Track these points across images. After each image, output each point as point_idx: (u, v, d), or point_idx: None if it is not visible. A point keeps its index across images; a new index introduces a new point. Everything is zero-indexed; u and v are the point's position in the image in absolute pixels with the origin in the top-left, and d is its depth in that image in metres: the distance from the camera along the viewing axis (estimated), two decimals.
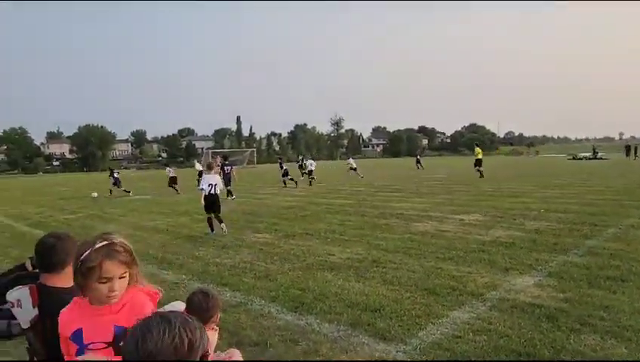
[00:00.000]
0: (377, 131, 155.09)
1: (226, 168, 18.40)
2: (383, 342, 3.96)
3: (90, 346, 1.87)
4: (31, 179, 61.44)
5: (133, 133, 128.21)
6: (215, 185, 9.91)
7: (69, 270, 2.36)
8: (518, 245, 7.37)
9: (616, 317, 4.18)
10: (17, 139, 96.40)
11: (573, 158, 49.91)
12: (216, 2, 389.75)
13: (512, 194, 15.16)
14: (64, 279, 2.35)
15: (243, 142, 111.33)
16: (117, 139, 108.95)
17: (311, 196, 17.63)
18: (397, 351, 3.77)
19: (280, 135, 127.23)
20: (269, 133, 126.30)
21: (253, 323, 4.49)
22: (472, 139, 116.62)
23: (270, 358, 3.75)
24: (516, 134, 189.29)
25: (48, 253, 2.32)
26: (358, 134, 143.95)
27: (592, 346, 3.65)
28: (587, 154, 51.57)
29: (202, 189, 9.88)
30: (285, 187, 22.32)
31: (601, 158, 46.50)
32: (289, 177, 23.17)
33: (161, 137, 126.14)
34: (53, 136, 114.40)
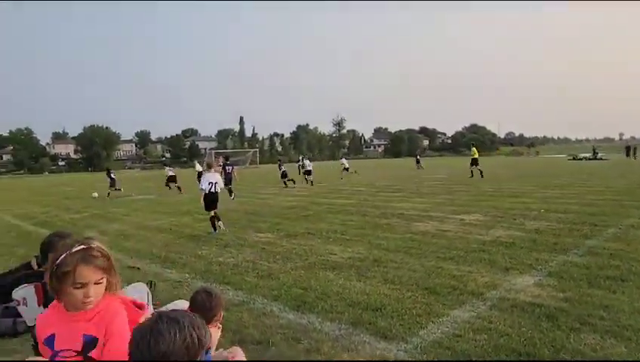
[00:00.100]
0: (379, 132, 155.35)
1: (227, 168, 18.48)
2: (384, 340, 3.98)
3: (61, 354, 1.83)
4: (37, 179, 61.52)
5: (137, 134, 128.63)
6: (215, 183, 9.98)
7: None
8: (519, 245, 7.39)
9: (615, 317, 4.19)
10: (23, 140, 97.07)
11: (574, 159, 49.87)
12: (218, 2, 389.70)
13: (512, 194, 15.17)
14: None
15: (246, 143, 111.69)
16: (121, 139, 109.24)
17: (312, 196, 17.66)
18: (398, 350, 3.79)
19: (282, 135, 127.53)
20: (272, 133, 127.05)
21: (255, 321, 4.52)
22: (473, 140, 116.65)
23: (272, 357, 3.77)
24: (516, 135, 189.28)
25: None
26: (360, 135, 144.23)
27: (591, 345, 3.66)
28: (587, 155, 51.53)
29: (202, 189, 9.94)
30: (286, 187, 22.40)
31: (601, 159, 46.45)
32: (287, 178, 23.33)
33: (165, 138, 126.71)
34: (58, 137, 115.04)
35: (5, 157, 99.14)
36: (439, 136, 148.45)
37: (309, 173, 24.78)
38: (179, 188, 22.19)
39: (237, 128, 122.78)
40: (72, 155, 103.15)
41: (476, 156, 24.71)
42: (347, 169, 28.29)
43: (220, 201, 10.39)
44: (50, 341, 1.84)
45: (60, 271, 1.73)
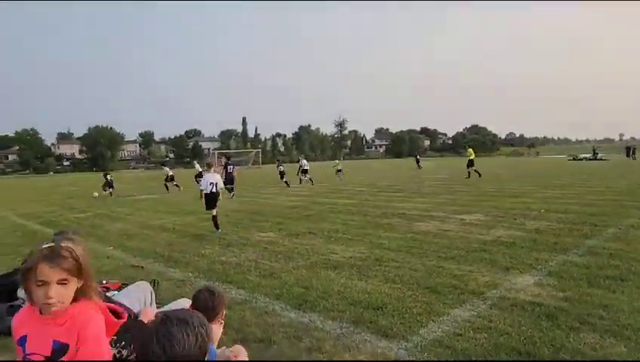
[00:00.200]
0: (380, 132, 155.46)
1: (228, 168, 18.57)
2: (385, 339, 4.00)
3: (30, 357, 1.78)
4: (42, 178, 61.63)
5: (141, 134, 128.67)
6: (216, 183, 10.11)
7: None
8: (519, 244, 7.41)
9: (615, 316, 4.21)
10: (29, 140, 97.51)
11: (574, 159, 49.81)
12: (220, 2, 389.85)
13: (512, 194, 15.19)
14: None
15: (248, 143, 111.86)
16: (125, 140, 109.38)
17: (314, 196, 17.69)
18: (399, 349, 3.81)
19: (285, 136, 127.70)
20: (274, 134, 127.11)
21: (257, 320, 4.55)
22: (474, 141, 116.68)
23: (273, 355, 3.79)
24: (517, 135, 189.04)
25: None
26: (361, 135, 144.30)
27: (591, 345, 3.68)
28: (587, 155, 51.45)
29: (202, 189, 10.10)
30: (288, 187, 22.50)
31: (602, 159, 46.40)
32: (284, 179, 23.62)
33: (169, 138, 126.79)
34: (63, 137, 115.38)
35: (11, 157, 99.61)
36: (440, 136, 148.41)
37: (305, 172, 25.19)
38: (177, 185, 22.66)
39: (240, 129, 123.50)
40: (77, 155, 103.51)
41: (472, 157, 24.93)
42: (340, 170, 28.65)
43: (221, 201, 10.46)
44: (22, 341, 1.80)
45: (25, 267, 1.71)
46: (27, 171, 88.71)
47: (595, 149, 53.30)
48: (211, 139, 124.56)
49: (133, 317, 2.65)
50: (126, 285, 3.70)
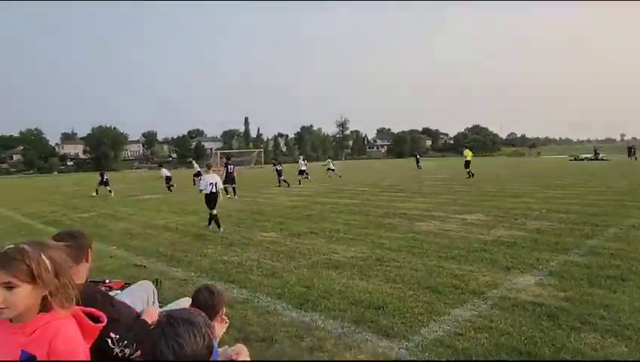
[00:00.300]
0: (382, 132, 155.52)
1: (229, 167, 18.63)
2: (386, 338, 4.02)
3: None
4: (46, 178, 61.76)
5: (144, 134, 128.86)
6: (215, 183, 10.35)
7: (82, 267, 2.45)
8: (520, 244, 7.43)
9: (616, 316, 4.22)
10: (33, 140, 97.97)
11: (575, 159, 49.78)
12: (222, 2, 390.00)
13: (514, 194, 15.19)
14: (77, 275, 2.42)
15: (251, 143, 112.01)
16: (129, 140, 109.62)
17: (316, 196, 17.70)
18: (400, 348, 3.83)
19: (287, 136, 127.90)
20: (276, 134, 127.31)
21: (259, 319, 4.57)
22: (475, 141, 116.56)
23: (275, 355, 3.81)
24: (518, 135, 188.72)
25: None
26: (363, 135, 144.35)
27: (592, 345, 3.69)
28: (589, 155, 51.40)
29: (202, 189, 10.37)
30: (288, 186, 22.57)
31: (603, 159, 46.36)
32: (282, 178, 23.79)
33: (172, 138, 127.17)
34: (67, 137, 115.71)
35: (15, 157, 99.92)
36: (442, 136, 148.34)
37: (301, 172, 25.60)
38: (172, 186, 23.25)
39: (242, 129, 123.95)
40: (81, 155, 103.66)
41: (469, 158, 25.23)
42: (332, 170, 29.20)
43: (222, 201, 10.55)
44: None
45: None
46: (31, 171, 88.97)
47: (597, 149, 53.19)
48: (214, 139, 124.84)
49: (136, 316, 2.67)
50: (129, 284, 3.71)
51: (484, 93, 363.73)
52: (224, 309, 2.71)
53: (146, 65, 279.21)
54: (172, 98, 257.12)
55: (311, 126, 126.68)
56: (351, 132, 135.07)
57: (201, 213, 12.67)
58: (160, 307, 3.19)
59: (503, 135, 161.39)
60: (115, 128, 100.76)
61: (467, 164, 24.88)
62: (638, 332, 3.89)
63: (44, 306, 1.70)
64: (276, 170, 24.69)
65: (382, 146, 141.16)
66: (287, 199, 16.79)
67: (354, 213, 12.09)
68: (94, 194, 22.53)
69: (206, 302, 2.56)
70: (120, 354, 2.26)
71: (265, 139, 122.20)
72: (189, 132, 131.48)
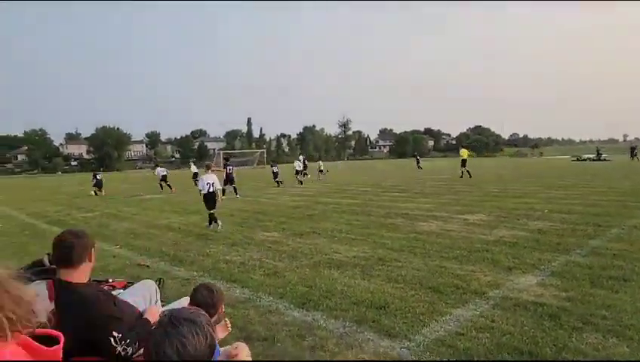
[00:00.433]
0: (384, 133, 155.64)
1: (227, 168, 18.71)
2: (388, 338, 4.02)
3: None
4: (50, 178, 61.97)
5: (147, 135, 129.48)
6: (212, 183, 10.59)
7: (85, 266, 2.46)
8: (522, 245, 7.42)
9: (618, 317, 4.21)
10: (37, 140, 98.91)
11: (577, 160, 49.71)
12: (224, 3, 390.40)
13: (516, 194, 15.17)
14: (80, 275, 2.42)
15: (253, 144, 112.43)
16: (132, 140, 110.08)
17: (318, 196, 17.72)
18: (401, 348, 3.83)
19: (289, 136, 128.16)
20: (279, 134, 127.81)
21: (261, 318, 4.59)
22: (477, 141, 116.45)
23: (277, 354, 3.81)
24: (520, 136, 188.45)
25: (65, 250, 2.39)
26: (365, 136, 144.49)
27: (593, 345, 3.68)
28: (591, 156, 51.31)
29: (201, 189, 10.64)
30: (284, 186, 22.86)
31: (605, 160, 46.28)
32: (278, 178, 24.10)
33: (175, 138, 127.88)
34: (71, 137, 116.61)
35: (20, 157, 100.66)
36: (444, 137, 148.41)
37: (297, 172, 26.04)
38: (162, 186, 23.61)
39: (245, 129, 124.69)
40: (85, 155, 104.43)
41: (465, 157, 25.53)
42: (322, 171, 29.50)
43: (223, 201, 10.62)
44: None
45: None
46: (35, 171, 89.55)
47: (599, 150, 53.09)
48: (216, 140, 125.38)
49: (138, 316, 2.68)
50: (131, 283, 3.73)
51: (486, 93, 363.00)
52: (223, 307, 2.72)
53: (148, 66, 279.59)
54: (175, 98, 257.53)
55: (313, 126, 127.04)
56: (353, 132, 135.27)
57: (203, 213, 12.67)
58: (162, 306, 3.21)
59: (505, 135, 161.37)
60: (118, 128, 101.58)
61: (463, 163, 25.17)
62: None
63: None
64: (272, 171, 24.98)
65: (384, 147, 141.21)
66: (289, 199, 16.82)
67: (356, 213, 12.10)
68: (93, 194, 22.87)
69: (205, 300, 2.57)
70: (122, 353, 2.27)
71: (267, 140, 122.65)
72: (192, 132, 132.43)
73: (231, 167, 19.02)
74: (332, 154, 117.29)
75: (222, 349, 2.63)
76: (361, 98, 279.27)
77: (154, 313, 2.67)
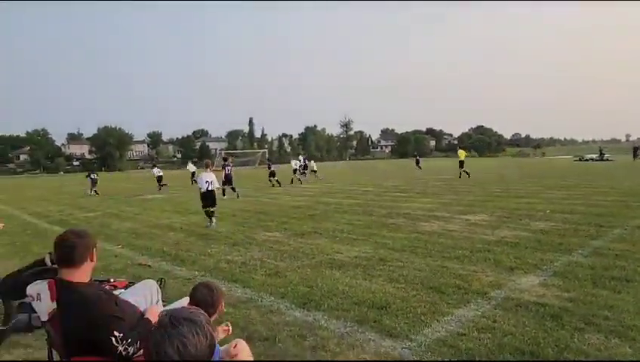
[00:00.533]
0: (386, 133, 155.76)
1: (226, 168, 18.75)
2: (389, 338, 4.02)
3: None
4: (52, 178, 62.17)
5: (149, 135, 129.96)
6: (212, 181, 10.84)
7: (87, 266, 2.46)
8: (524, 245, 7.41)
9: (620, 317, 4.21)
10: (40, 140, 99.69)
11: (580, 160, 49.70)
12: (227, 2, 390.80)
13: (518, 195, 15.16)
14: (82, 274, 2.42)
15: (255, 144, 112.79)
16: (134, 140, 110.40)
17: (320, 196, 17.74)
18: (402, 348, 3.83)
19: (291, 136, 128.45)
20: (281, 134, 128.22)
21: (262, 318, 4.59)
22: (480, 141, 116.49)
23: (278, 354, 3.81)
24: (523, 136, 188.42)
25: (67, 249, 2.38)
26: (367, 136, 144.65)
27: (596, 345, 3.68)
28: (594, 156, 51.27)
29: (200, 187, 10.87)
30: (280, 186, 23.12)
31: (608, 160, 46.24)
32: (275, 178, 24.28)
33: (176, 138, 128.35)
34: (73, 138, 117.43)
35: (22, 157, 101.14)
36: (446, 137, 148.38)
37: (294, 171, 26.28)
38: (161, 186, 24.07)
39: (246, 129, 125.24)
40: (87, 155, 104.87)
41: (463, 158, 25.76)
42: (315, 171, 29.44)
43: (219, 199, 10.76)
44: None
45: None
46: (38, 171, 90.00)
47: (602, 150, 53.04)
48: (218, 140, 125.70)
49: (140, 315, 2.68)
50: (133, 283, 3.73)
51: (487, 93, 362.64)
52: (223, 305, 2.71)
53: (149, 66, 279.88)
54: (177, 98, 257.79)
55: (315, 126, 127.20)
56: (355, 132, 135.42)
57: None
58: (164, 306, 3.21)
59: (508, 135, 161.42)
60: (120, 128, 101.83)
61: (461, 163, 25.36)
62: None
63: None
64: (271, 172, 25.11)
65: (386, 147, 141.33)
66: (290, 199, 16.83)
67: (358, 213, 12.10)
68: (92, 194, 23.08)
69: (205, 298, 2.57)
70: (124, 353, 2.27)
71: (269, 140, 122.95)
72: (194, 132, 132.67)
73: (229, 167, 19.05)
74: (334, 154, 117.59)
75: (221, 348, 2.63)
76: (362, 98, 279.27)
77: (155, 313, 2.67)
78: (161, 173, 24.86)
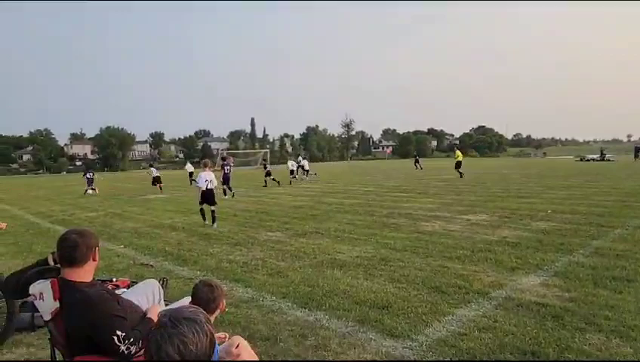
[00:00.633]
0: (387, 133, 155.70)
1: (225, 168, 18.78)
2: (390, 338, 4.03)
3: None
4: (55, 178, 62.26)
5: (151, 135, 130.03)
6: (211, 180, 10.96)
7: (90, 265, 2.47)
8: (525, 245, 7.42)
9: (621, 317, 4.21)
10: (43, 141, 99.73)
11: (581, 160, 49.68)
12: (228, 2, 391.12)
13: (519, 195, 15.16)
14: (84, 274, 2.43)
15: (257, 144, 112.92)
16: (136, 140, 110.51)
17: (321, 196, 17.74)
18: (403, 348, 3.84)
19: (292, 137, 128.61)
20: (282, 134, 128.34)
21: (264, 318, 4.60)
22: (481, 141, 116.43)
23: (279, 354, 3.82)
24: (524, 136, 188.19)
25: (70, 249, 2.39)
26: (368, 136, 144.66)
27: (596, 345, 3.69)
28: (595, 156, 51.24)
29: (199, 186, 11.01)
30: (265, 186, 23.33)
31: (609, 160, 46.19)
32: (271, 177, 24.43)
33: (179, 138, 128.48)
34: (76, 138, 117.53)
35: (25, 157, 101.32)
36: (447, 137, 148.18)
37: (291, 172, 26.42)
38: (160, 186, 24.07)
39: (248, 129, 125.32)
40: (89, 155, 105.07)
41: (460, 159, 25.83)
42: (308, 171, 29.32)
43: (220, 199, 10.79)
44: None
45: None
46: (41, 171, 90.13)
47: (603, 150, 53.03)
48: (220, 140, 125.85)
49: (142, 315, 2.69)
50: (135, 283, 3.74)
51: (488, 94, 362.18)
52: (224, 302, 2.73)
53: (151, 66, 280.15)
54: (179, 98, 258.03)
55: (317, 126, 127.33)
56: (356, 132, 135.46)
57: (206, 213, 12.76)
58: (166, 305, 3.22)
59: (509, 136, 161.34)
60: (122, 129, 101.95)
61: (458, 164, 25.42)
62: None
63: None
64: (267, 171, 25.23)
65: (387, 147, 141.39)
66: (292, 199, 16.84)
67: (359, 213, 12.11)
68: (93, 192, 23.32)
69: (206, 296, 2.58)
70: (126, 352, 2.28)
71: (271, 140, 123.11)
72: (196, 132, 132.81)
73: (228, 167, 19.09)
74: (335, 155, 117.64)
75: (220, 346, 2.63)
76: (363, 98, 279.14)
77: (157, 312, 2.68)
78: (157, 174, 24.91)
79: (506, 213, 10.90)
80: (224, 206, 14.23)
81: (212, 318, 2.52)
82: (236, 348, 2.63)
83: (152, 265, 7.09)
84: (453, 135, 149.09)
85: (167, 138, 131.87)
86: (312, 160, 31.77)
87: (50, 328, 2.47)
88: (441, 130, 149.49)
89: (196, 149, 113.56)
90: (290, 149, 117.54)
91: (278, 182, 23.87)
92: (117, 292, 2.99)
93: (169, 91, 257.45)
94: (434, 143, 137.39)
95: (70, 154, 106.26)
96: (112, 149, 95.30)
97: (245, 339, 2.86)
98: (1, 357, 3.98)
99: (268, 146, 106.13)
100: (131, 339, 2.31)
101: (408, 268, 6.22)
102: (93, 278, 2.55)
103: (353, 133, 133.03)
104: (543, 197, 14.02)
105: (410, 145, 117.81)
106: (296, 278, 5.98)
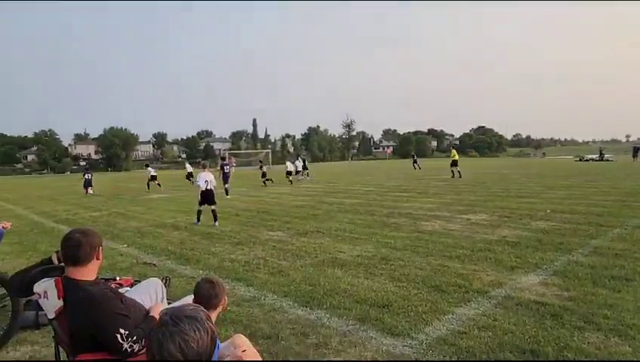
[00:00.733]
0: (387, 133, 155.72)
1: (225, 168, 18.83)
2: (391, 336, 4.05)
3: None
4: (59, 178, 62.32)
5: (154, 135, 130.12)
6: (210, 181, 11.10)
7: (93, 264, 2.50)
8: (524, 244, 7.44)
9: (620, 316, 4.23)
10: (47, 141, 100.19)
11: (580, 160, 49.68)
12: (230, 3, 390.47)
13: (518, 194, 15.18)
14: (88, 272, 2.45)
15: (258, 144, 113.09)
16: (139, 140, 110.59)
17: (322, 195, 17.76)
18: (404, 346, 3.86)
19: (294, 137, 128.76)
20: (284, 135, 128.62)
21: (265, 316, 4.63)
22: (481, 142, 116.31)
23: (281, 352, 3.83)
24: (523, 136, 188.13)
25: (74, 248, 2.41)
26: (369, 136, 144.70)
27: (595, 344, 3.70)
28: (594, 156, 51.23)
29: (199, 186, 11.16)
30: (264, 186, 23.48)
31: (608, 160, 46.18)
32: (266, 178, 24.73)
33: (181, 139, 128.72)
34: (80, 138, 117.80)
35: (30, 158, 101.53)
36: (447, 137, 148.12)
37: (289, 173, 26.53)
38: (159, 184, 24.65)
39: (250, 130, 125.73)
40: (93, 156, 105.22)
41: (456, 158, 26.06)
42: (300, 172, 29.20)
43: (222, 199, 10.79)
44: None
45: None
46: (45, 171, 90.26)
47: (602, 150, 53.00)
48: (222, 140, 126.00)
49: (145, 313, 2.72)
50: (138, 281, 3.76)
51: (489, 94, 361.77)
52: (226, 299, 2.76)
53: (152, 66, 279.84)
54: (180, 98, 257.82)
55: (318, 127, 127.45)
56: (357, 133, 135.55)
57: (208, 212, 12.77)
58: (168, 304, 3.25)
59: (509, 136, 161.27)
60: (126, 129, 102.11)
61: (454, 163, 25.57)
62: None
63: None
64: (262, 172, 25.41)
65: (387, 147, 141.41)
66: (293, 198, 16.87)
67: (360, 212, 12.13)
68: (91, 193, 23.52)
69: (208, 293, 2.61)
70: (129, 350, 2.30)
71: (273, 140, 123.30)
72: (199, 133, 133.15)
73: (228, 167, 19.13)
74: (336, 155, 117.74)
75: (222, 345, 2.65)
76: (364, 98, 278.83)
77: (159, 310, 2.70)
78: (154, 173, 25.29)
79: (506, 213, 10.93)
80: (226, 206, 14.26)
81: (214, 315, 2.55)
82: (243, 352, 2.65)
83: (154, 264, 7.12)
84: (453, 135, 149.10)
85: (169, 138, 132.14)
86: (313, 160, 31.72)
87: (54, 326, 2.49)
88: (441, 130, 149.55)
89: (198, 149, 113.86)
90: (291, 150, 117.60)
91: (272, 180, 24.27)
92: (120, 290, 3.01)
93: (171, 92, 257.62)
94: (434, 143, 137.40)
95: (74, 154, 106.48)
96: (115, 149, 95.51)
97: (247, 337, 2.90)
98: (6, 355, 4.01)
99: (270, 146, 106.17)
100: (134, 337, 2.33)
101: (408, 267, 6.25)
102: (97, 277, 2.58)
103: (354, 133, 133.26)
104: (542, 197, 14.04)
105: (411, 146, 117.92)
106: (297, 277, 6.01)
